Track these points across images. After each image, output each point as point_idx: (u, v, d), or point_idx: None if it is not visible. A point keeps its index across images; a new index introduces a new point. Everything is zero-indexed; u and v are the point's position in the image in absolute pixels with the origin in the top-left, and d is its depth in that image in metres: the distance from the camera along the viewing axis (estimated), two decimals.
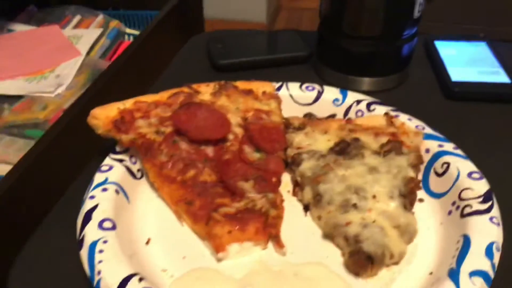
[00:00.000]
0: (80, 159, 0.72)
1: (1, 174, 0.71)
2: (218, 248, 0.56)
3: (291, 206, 0.65)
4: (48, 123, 0.88)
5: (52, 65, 1.06)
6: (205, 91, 0.73)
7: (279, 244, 0.58)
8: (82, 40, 1.16)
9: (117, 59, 0.93)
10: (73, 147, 0.72)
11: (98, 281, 0.50)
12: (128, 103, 0.68)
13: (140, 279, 0.50)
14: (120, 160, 0.64)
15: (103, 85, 0.82)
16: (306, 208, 0.64)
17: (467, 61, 0.92)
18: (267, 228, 0.58)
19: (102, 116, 0.65)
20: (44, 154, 0.67)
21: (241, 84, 0.75)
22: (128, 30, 1.29)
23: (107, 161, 0.64)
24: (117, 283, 0.49)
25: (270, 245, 0.59)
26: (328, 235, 0.59)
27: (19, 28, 1.23)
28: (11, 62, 1.09)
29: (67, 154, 0.71)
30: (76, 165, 0.71)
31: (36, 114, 0.91)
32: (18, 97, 0.96)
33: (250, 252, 0.58)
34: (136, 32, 1.28)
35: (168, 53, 1.02)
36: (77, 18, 1.28)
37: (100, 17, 1.28)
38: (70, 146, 0.71)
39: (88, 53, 1.11)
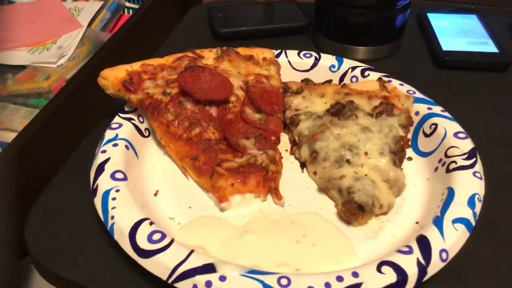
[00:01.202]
0: (86, 121, 0.75)
1: (6, 141, 0.74)
2: (221, 198, 0.61)
3: (289, 164, 0.69)
4: (52, 92, 0.91)
5: (54, 37, 1.07)
6: (208, 56, 0.76)
7: (277, 196, 0.62)
8: (83, 13, 1.16)
9: (119, 30, 0.95)
10: (79, 111, 0.75)
11: (112, 225, 0.54)
12: (135, 66, 0.71)
13: (151, 223, 0.54)
14: (129, 119, 0.68)
15: (105, 55, 0.85)
16: (303, 165, 0.68)
17: (457, 32, 0.96)
18: (267, 181, 0.63)
19: (112, 77, 0.69)
20: (53, 116, 0.71)
21: (243, 50, 0.79)
22: (128, 4, 1.30)
23: (117, 119, 0.68)
24: (130, 227, 0.53)
25: (270, 197, 0.64)
26: (323, 189, 0.64)
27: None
28: (13, 33, 1.09)
29: (74, 117, 0.74)
30: (83, 126, 0.75)
31: (39, 84, 0.93)
32: (21, 67, 0.97)
33: (251, 203, 0.62)
34: (135, 6, 1.29)
35: (167, 26, 1.05)
36: None
37: None
38: (75, 111, 0.75)
39: (89, 25, 1.12)
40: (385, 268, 0.50)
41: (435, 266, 0.51)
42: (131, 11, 1.28)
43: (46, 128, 0.70)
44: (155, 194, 0.63)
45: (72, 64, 0.98)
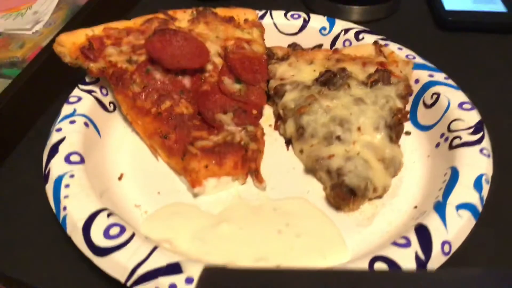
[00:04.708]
0: (57, 93, 0.67)
1: None
2: (194, 182, 0.53)
3: (273, 140, 0.62)
4: (26, 62, 0.84)
5: (29, 1, 1.00)
6: (182, 18, 0.68)
7: (258, 179, 0.55)
8: None
9: None
10: (51, 84, 0.67)
11: (64, 217, 0.47)
12: (97, 30, 0.63)
13: (109, 215, 0.47)
14: (90, 91, 0.60)
15: (82, 20, 0.77)
16: (288, 142, 0.61)
17: None
18: (246, 162, 0.55)
19: (69, 43, 0.60)
20: (20, 93, 0.63)
21: (221, 11, 0.70)
22: None
23: (76, 92, 0.60)
24: (84, 219, 0.46)
25: (250, 180, 0.56)
26: (310, 169, 0.57)
27: None
28: None
29: (45, 91, 0.66)
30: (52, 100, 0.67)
31: (13, 53, 0.86)
32: None
33: (228, 187, 0.55)
34: None
35: None
36: None
37: None
38: (47, 83, 0.67)
39: None
40: (378, 265, 0.44)
41: (436, 260, 0.45)
42: None
43: (16, 102, 0.62)
44: (120, 178, 0.56)
45: (48, 30, 0.92)
